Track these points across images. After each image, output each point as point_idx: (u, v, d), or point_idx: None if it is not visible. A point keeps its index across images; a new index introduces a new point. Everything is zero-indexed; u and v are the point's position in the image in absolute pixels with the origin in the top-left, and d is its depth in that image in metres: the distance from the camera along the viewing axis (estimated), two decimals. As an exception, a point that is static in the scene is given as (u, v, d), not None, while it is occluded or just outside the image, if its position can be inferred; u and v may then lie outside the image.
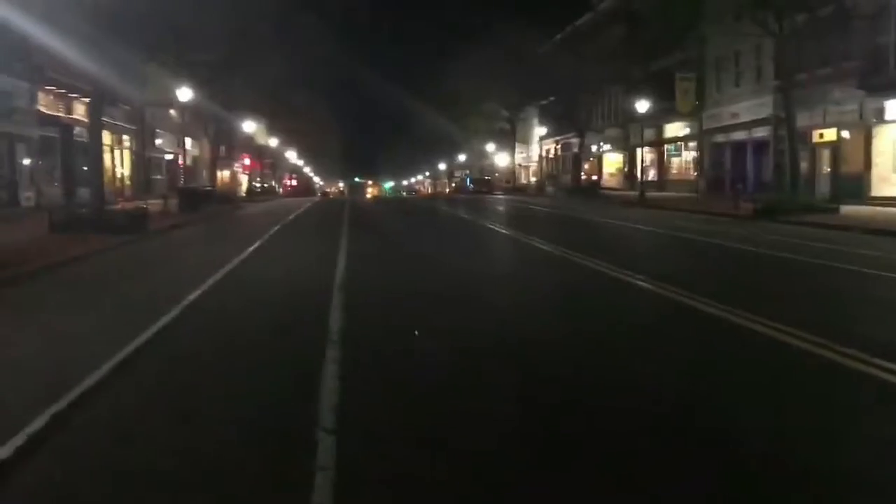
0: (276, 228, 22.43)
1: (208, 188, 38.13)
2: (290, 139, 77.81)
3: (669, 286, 9.91)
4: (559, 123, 61.76)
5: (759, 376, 6.07)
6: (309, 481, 3.98)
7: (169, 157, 50.88)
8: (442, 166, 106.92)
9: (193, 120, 44.95)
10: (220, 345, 7.38)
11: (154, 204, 31.99)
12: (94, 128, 24.08)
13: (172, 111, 46.20)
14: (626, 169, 53.08)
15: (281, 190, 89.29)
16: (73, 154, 32.15)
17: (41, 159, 29.56)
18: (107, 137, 37.50)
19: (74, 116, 32.45)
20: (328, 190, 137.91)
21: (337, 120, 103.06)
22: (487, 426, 4.89)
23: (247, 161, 74.78)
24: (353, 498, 3.85)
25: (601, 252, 14.12)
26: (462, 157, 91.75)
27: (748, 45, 34.07)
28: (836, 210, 24.06)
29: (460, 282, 11.43)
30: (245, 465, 4.28)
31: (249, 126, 53.20)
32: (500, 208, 35.67)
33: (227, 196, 37.84)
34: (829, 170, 31.22)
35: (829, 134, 30.99)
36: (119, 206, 26.88)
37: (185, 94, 31.01)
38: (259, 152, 74.47)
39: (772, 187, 32.07)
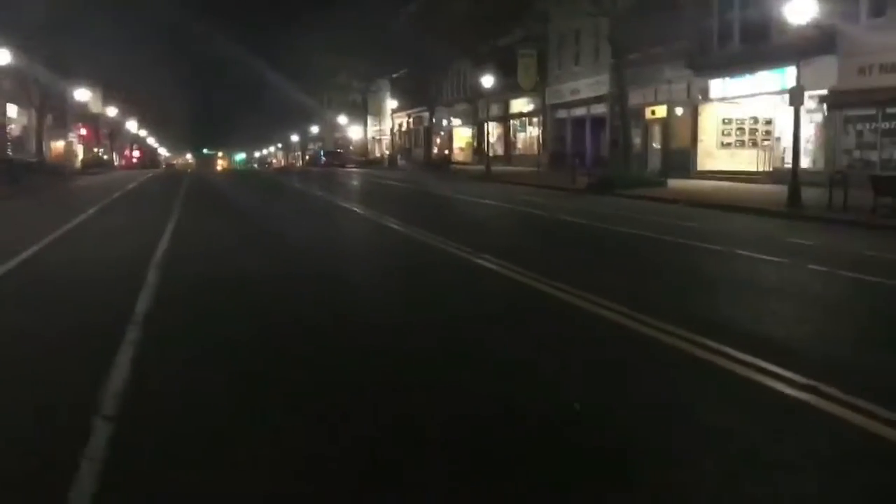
0: (101, 204, 21.32)
1: (33, 160, 35.71)
2: (130, 109, 73.96)
3: (507, 263, 9.95)
4: (410, 97, 61.82)
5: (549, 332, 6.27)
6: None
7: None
8: (295, 138, 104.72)
9: (19, 86, 41.87)
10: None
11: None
12: None
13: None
14: (475, 144, 53.81)
15: (123, 162, 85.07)
16: None
17: None
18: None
19: None
20: (174, 162, 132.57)
21: (183, 89, 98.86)
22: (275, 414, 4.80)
23: (83, 131, 70.68)
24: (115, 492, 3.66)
25: (445, 229, 14.07)
26: (315, 130, 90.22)
27: (587, 23, 35.10)
28: (664, 184, 25.37)
29: (295, 262, 11.22)
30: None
31: (82, 94, 50.03)
32: (353, 183, 35.42)
33: (56, 168, 35.42)
34: (659, 146, 32.83)
35: (661, 111, 32.58)
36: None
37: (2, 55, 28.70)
38: (96, 122, 70.43)
39: (609, 162, 33.39)
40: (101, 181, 35.49)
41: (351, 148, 79.75)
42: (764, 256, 10.98)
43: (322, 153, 76.57)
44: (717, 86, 29.05)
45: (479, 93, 46.49)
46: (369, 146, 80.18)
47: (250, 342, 6.38)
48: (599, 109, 37.43)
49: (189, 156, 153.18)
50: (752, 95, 27.44)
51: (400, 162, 61.02)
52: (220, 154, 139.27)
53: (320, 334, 6.71)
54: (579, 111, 39.72)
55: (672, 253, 11.86)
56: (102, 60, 49.74)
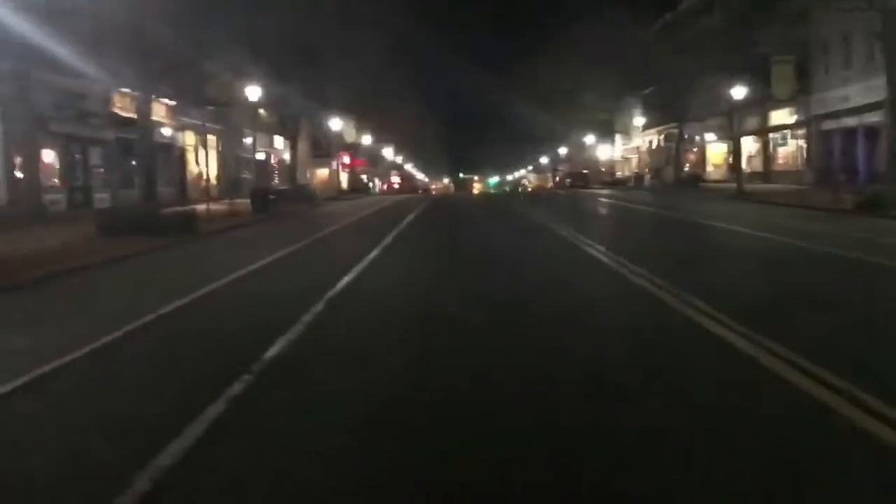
0: (325, 231, 21.70)
1: (282, 187, 37.92)
2: (384, 136, 77.70)
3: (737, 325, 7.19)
4: (660, 113, 59.14)
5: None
6: None
7: (260, 156, 51.35)
8: (544, 160, 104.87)
9: (285, 120, 44.95)
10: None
11: (237, 204, 32.03)
12: (143, 124, 23.97)
13: (262, 111, 46.49)
14: (729, 160, 49.94)
15: (385, 188, 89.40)
16: (153, 156, 32.41)
17: (118, 162, 29.81)
18: (190, 138, 37.98)
19: (154, 118, 32.67)
20: (433, 186, 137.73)
21: (433, 115, 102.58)
22: None
23: (346, 159, 75.09)
24: None
25: (682, 274, 11.08)
26: (563, 151, 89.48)
27: (858, 21, 30.91)
28: (952, 203, 21.20)
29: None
30: None
31: (336, 123, 52.94)
32: (585, 207, 33.53)
33: (305, 195, 37.37)
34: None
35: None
36: (198, 207, 26.89)
37: (254, 91, 30.67)
38: (356, 150, 74.66)
39: (886, 178, 28.94)
40: (344, 207, 36.81)
41: (602, 169, 78.01)
42: None
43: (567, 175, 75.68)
44: None
45: (734, 105, 43.10)
46: (618, 165, 77.97)
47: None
48: (874, 118, 32.76)
49: (447, 180, 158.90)
50: None
51: (646, 181, 58.32)
52: (475, 178, 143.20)
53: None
54: (850, 121, 35.11)
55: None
56: (354, 90, 52.32)
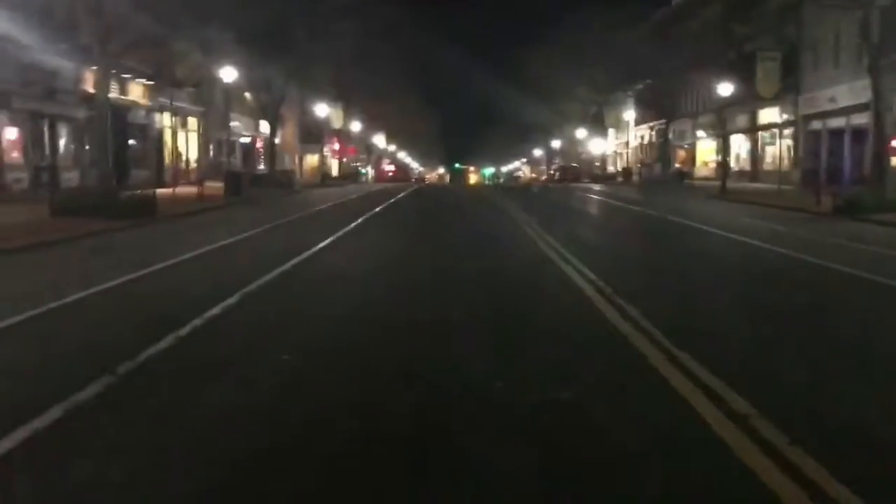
0: (287, 219, 21.17)
1: (260, 172, 37.33)
2: (375, 124, 77.06)
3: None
4: (651, 109, 58.59)
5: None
6: None
7: (245, 140, 50.79)
8: (538, 152, 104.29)
9: (265, 103, 44.25)
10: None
11: (213, 188, 31.45)
12: (101, 99, 23.36)
13: (248, 94, 45.97)
14: (719, 158, 49.41)
15: (377, 176, 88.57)
16: (126, 136, 31.90)
17: (87, 141, 29.19)
18: (168, 119, 37.34)
19: (131, 98, 32.10)
20: (428, 176, 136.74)
21: (429, 104, 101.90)
22: None
23: (336, 146, 74.38)
24: None
25: (623, 272, 11.46)
26: (556, 144, 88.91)
27: (848, 20, 30.37)
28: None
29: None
30: None
31: (323, 109, 52.32)
32: (565, 201, 32.96)
33: (282, 180, 36.68)
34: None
35: (936, 121, 27.25)
36: (171, 190, 26.39)
37: (229, 73, 30.06)
38: (347, 137, 74.01)
39: (869, 181, 28.47)
40: (323, 194, 36.17)
41: (597, 164, 77.42)
42: None
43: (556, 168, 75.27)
44: None
45: (724, 103, 42.54)
46: (610, 160, 77.42)
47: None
48: (861, 119, 32.25)
49: (442, 169, 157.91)
50: None
51: (634, 177, 57.84)
52: (471, 168, 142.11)
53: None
54: (837, 121, 34.57)
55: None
56: (342, 76, 51.70)
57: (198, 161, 40.57)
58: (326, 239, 15.03)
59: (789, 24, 36.49)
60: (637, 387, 5.37)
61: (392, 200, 31.35)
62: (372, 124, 75.77)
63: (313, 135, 64.25)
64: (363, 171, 77.66)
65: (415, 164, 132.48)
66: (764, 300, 9.02)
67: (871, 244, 14.65)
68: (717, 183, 35.97)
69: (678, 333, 6.59)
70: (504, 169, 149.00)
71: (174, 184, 29.31)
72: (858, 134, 32.69)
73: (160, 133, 36.05)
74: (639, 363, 5.89)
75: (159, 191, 27.60)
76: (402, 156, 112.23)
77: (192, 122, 40.54)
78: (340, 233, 16.67)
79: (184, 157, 39.05)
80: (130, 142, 32.60)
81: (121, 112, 31.30)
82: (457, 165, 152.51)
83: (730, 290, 9.79)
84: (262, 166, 50.17)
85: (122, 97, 31.19)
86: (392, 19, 50.14)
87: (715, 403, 4.83)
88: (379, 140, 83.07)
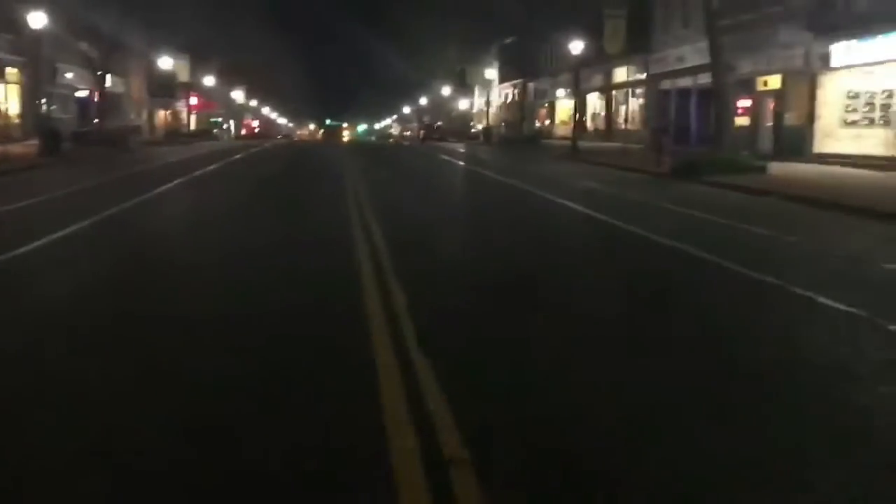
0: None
1: (86, 129, 34.47)
2: (233, 79, 73.59)
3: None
4: (516, 68, 58.28)
5: None
6: None
7: (82, 94, 46.95)
8: (407, 110, 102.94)
9: (110, 53, 40.73)
10: None
11: (28, 146, 28.69)
12: None
13: (84, 43, 42.23)
14: (576, 117, 49.58)
15: (243, 132, 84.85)
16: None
17: None
18: (-19, 70, 33.85)
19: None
20: (300, 132, 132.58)
21: (294, 58, 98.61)
22: None
23: (193, 100, 70.50)
24: None
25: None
26: (424, 101, 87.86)
27: (694, -22, 30.37)
28: (763, 170, 20.74)
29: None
30: None
31: (166, 62, 49.07)
32: (406, 159, 32.06)
33: (114, 137, 33.80)
34: (770, 123, 27.94)
35: (774, 81, 27.68)
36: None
37: (37, 18, 27.08)
38: (203, 92, 70.31)
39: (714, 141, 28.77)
40: (162, 153, 33.69)
41: (471, 123, 76.74)
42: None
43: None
44: (842, 51, 23.88)
45: (576, 62, 42.38)
46: (477, 118, 76.98)
47: None
48: (707, 79, 32.50)
49: (312, 126, 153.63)
50: (885, 62, 22.30)
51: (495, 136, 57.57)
52: (345, 125, 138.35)
53: None
54: (684, 81, 34.82)
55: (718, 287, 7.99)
56: (190, 26, 48.52)
57: (20, 116, 37.00)
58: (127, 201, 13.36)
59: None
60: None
61: (226, 161, 29.36)
62: (230, 78, 72.29)
63: (164, 88, 60.53)
64: (222, 127, 74.18)
65: (284, 121, 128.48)
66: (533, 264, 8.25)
67: (688, 206, 14.23)
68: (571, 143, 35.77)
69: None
70: (377, 126, 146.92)
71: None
72: (705, 94, 32.92)
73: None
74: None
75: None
76: (269, 112, 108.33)
77: (13, 73, 36.83)
78: (138, 199, 14.95)
79: (2, 112, 35.53)
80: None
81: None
82: (329, 122, 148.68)
83: (503, 260, 9.05)
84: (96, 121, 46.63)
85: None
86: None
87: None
88: (238, 95, 79.43)
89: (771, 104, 28.27)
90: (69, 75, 43.63)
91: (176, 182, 19.27)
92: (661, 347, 5.51)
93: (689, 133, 33.79)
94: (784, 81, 27.06)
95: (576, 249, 10.33)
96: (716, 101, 24.56)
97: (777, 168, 21.25)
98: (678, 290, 7.61)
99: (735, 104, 27.83)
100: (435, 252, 9.59)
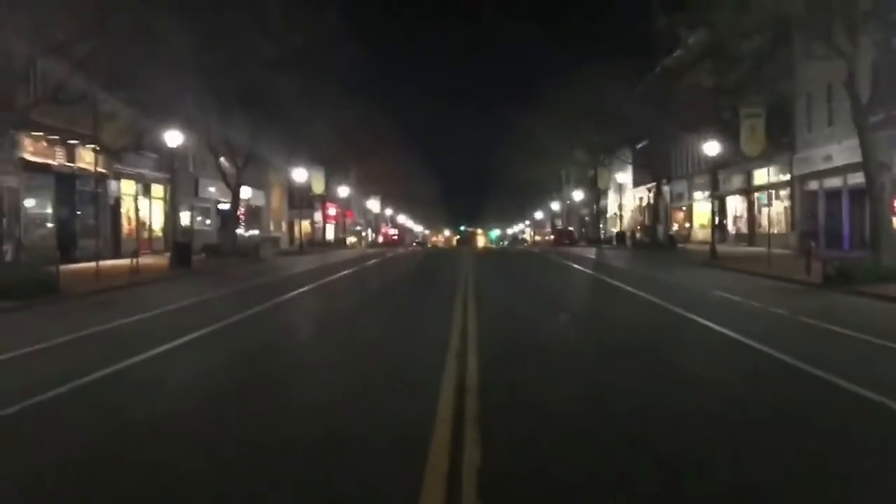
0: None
1: (216, 242, 35.46)
2: (369, 189, 75.56)
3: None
4: (651, 171, 56.88)
5: None
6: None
7: (224, 206, 49.09)
8: (539, 215, 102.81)
9: (245, 167, 42.54)
10: None
11: (164, 258, 29.53)
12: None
13: (223, 159, 44.37)
14: (715, 220, 47.34)
15: (381, 240, 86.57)
16: (73, 205, 30.19)
17: (28, 210, 27.46)
18: (129, 186, 35.70)
19: (79, 164, 30.27)
20: (434, 238, 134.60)
21: (426, 165, 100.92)
22: None
23: (331, 211, 72.45)
24: None
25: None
26: (556, 207, 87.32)
27: (838, 74, 28.44)
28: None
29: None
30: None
31: (301, 174, 50.71)
32: (534, 266, 30.82)
33: (246, 248, 34.59)
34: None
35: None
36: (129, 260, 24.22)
37: (174, 137, 28.24)
38: (340, 202, 72.49)
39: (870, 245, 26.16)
40: (290, 263, 34.12)
41: (601, 227, 75.28)
42: None
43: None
44: None
45: (720, 163, 40.52)
46: (611, 222, 75.39)
47: None
48: (859, 179, 30.02)
49: (448, 232, 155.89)
50: None
51: (629, 240, 55.87)
52: (479, 231, 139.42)
53: None
54: (834, 181, 32.43)
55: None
56: (326, 138, 50.17)
57: (163, 230, 38.67)
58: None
59: (782, 83, 34.60)
60: None
61: (349, 270, 29.18)
62: (366, 188, 74.34)
63: (302, 199, 62.60)
64: (361, 235, 76.07)
65: (418, 228, 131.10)
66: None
67: (842, 325, 12.24)
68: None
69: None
70: (509, 231, 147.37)
71: (136, 254, 27.03)
72: (857, 194, 30.47)
73: (117, 201, 34.21)
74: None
75: (110, 263, 25.86)
76: (403, 219, 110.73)
77: (158, 189, 38.77)
78: (254, 310, 14.50)
79: (147, 225, 37.24)
80: (79, 212, 30.67)
81: (67, 180, 29.68)
82: (463, 228, 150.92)
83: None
84: (250, 232, 48.37)
85: (69, 163, 29.48)
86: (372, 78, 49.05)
87: None
88: (373, 205, 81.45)
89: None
90: (212, 189, 45.72)
91: (294, 293, 18.90)
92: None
93: (840, 237, 31.25)
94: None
95: (720, 392, 8.26)
96: (871, 201, 22.27)
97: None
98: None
99: (892, 205, 25.33)
100: (534, 395, 7.72)
